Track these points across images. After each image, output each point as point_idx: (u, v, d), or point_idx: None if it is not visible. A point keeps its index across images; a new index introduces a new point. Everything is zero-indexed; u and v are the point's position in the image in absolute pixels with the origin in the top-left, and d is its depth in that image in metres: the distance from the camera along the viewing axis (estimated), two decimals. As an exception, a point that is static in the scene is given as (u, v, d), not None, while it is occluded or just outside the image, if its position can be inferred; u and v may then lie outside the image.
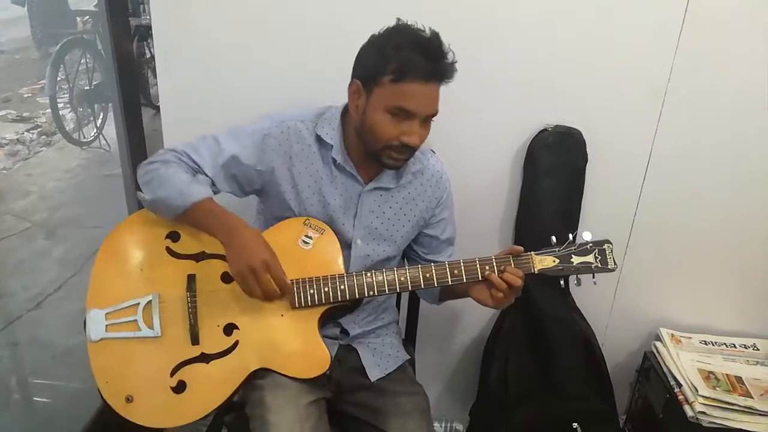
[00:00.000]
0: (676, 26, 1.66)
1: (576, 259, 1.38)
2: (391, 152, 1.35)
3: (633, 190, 1.84)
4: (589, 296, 1.93)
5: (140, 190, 1.41)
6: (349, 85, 1.37)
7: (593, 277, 1.39)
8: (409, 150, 1.35)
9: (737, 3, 1.64)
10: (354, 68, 1.37)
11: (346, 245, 1.46)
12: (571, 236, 1.39)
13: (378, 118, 1.32)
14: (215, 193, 1.43)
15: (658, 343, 1.92)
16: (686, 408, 1.70)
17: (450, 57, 1.30)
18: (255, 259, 1.31)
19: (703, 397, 1.69)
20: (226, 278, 1.42)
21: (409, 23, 1.32)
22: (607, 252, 1.39)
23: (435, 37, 1.30)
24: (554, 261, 1.38)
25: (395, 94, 1.29)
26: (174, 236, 1.43)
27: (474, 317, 2.05)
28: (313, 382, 1.42)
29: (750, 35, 1.66)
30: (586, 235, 1.39)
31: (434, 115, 1.34)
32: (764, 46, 1.66)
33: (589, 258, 1.38)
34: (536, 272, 1.37)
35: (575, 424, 1.90)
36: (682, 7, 1.64)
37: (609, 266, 1.38)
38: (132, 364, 1.39)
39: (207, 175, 1.41)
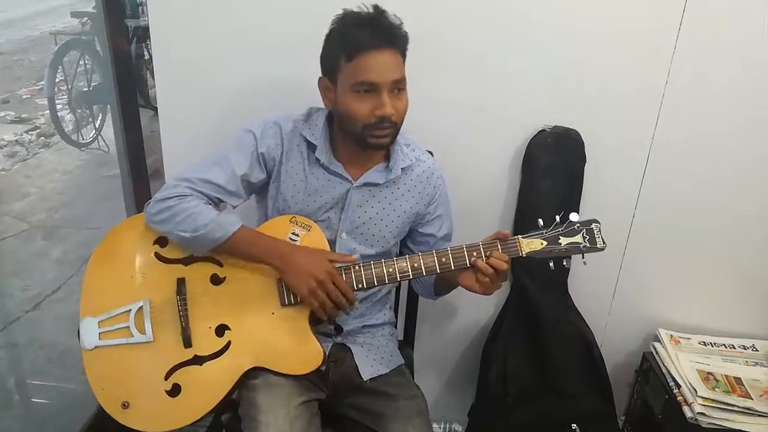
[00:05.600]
0: (674, 27, 1.66)
1: (564, 240, 1.37)
2: (372, 131, 1.36)
3: (631, 190, 1.84)
4: (588, 297, 1.93)
5: (159, 242, 1.43)
6: (318, 83, 1.41)
7: (583, 257, 1.39)
8: (389, 123, 1.35)
9: (735, 3, 1.63)
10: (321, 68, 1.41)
11: (330, 240, 1.47)
12: (558, 218, 1.38)
13: (348, 101, 1.35)
14: (234, 207, 1.47)
15: (657, 344, 1.92)
16: (685, 409, 1.70)
17: (396, 22, 1.34)
18: (320, 273, 1.33)
19: (702, 398, 1.69)
20: (215, 280, 1.43)
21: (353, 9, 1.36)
22: (595, 231, 1.38)
23: (376, 9, 1.34)
24: (542, 243, 1.37)
25: (354, 71, 1.32)
26: (162, 242, 1.44)
27: (473, 318, 2.05)
28: (307, 382, 1.43)
29: (747, 35, 1.66)
30: (573, 216, 1.38)
31: (400, 81, 1.35)
32: (762, 47, 1.66)
33: (578, 238, 1.37)
34: (524, 255, 1.36)
35: (574, 425, 1.90)
36: (680, 8, 1.64)
37: (598, 245, 1.38)
38: (126, 371, 1.40)
39: (230, 191, 1.42)
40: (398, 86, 1.35)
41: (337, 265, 1.38)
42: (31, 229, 3.57)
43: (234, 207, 1.47)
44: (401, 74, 1.35)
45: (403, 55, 1.37)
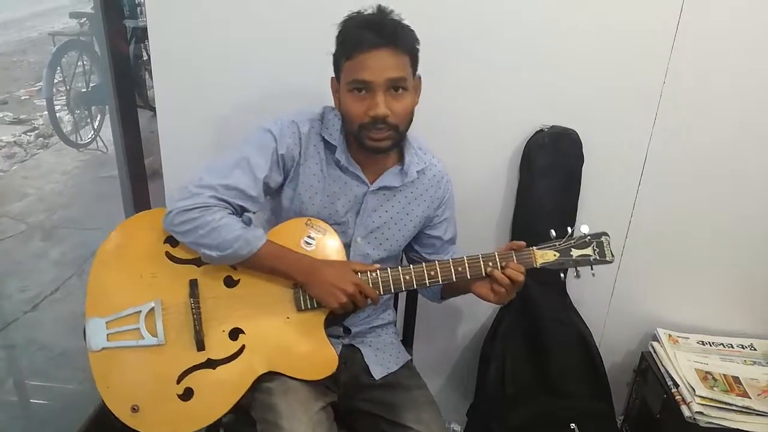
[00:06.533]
0: (672, 27, 1.66)
1: (575, 252, 1.39)
2: (367, 132, 1.35)
3: (629, 190, 1.85)
4: (587, 296, 1.94)
5: (170, 241, 1.40)
6: (330, 84, 1.42)
7: (592, 269, 1.40)
8: (383, 124, 1.33)
9: (733, 2, 1.64)
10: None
11: (345, 244, 1.46)
12: (570, 230, 1.40)
13: (345, 100, 1.35)
14: (255, 212, 1.45)
15: (655, 344, 1.92)
16: (683, 408, 1.70)
17: (396, 21, 1.33)
18: (348, 286, 1.33)
19: (700, 397, 1.69)
20: (228, 282, 1.41)
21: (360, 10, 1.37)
22: (604, 244, 1.40)
23: (378, 9, 1.34)
24: (555, 255, 1.39)
25: (351, 70, 1.32)
26: (173, 241, 1.41)
27: (472, 318, 2.05)
28: (321, 385, 1.42)
29: (745, 35, 1.66)
30: (584, 229, 1.40)
31: (399, 80, 1.32)
32: (760, 46, 1.67)
33: (588, 251, 1.39)
34: (538, 267, 1.38)
35: (573, 425, 1.90)
36: (678, 7, 1.64)
37: (607, 258, 1.40)
38: (136, 373, 1.37)
39: (252, 196, 1.39)
40: (397, 85, 1.32)
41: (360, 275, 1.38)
42: (30, 230, 3.56)
43: (254, 213, 1.44)
44: (400, 73, 1.32)
45: (411, 55, 1.35)
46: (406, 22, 1.37)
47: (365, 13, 1.35)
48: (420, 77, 1.42)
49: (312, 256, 1.39)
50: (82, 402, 1.95)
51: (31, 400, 2.23)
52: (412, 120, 1.40)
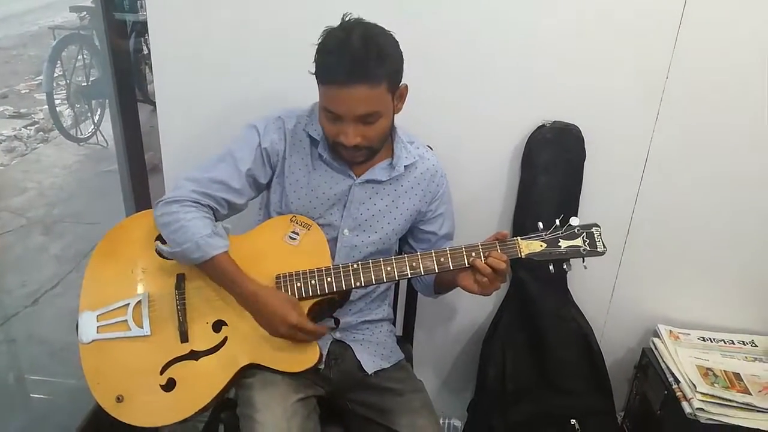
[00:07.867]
0: (674, 22, 1.65)
1: (564, 243, 1.37)
2: (341, 149, 1.37)
3: (631, 186, 1.84)
4: (588, 292, 1.93)
5: (160, 239, 1.42)
6: None
7: (583, 261, 1.39)
8: (354, 148, 1.34)
9: (735, -1, 1.63)
10: None
11: (333, 236, 1.47)
12: (557, 221, 1.39)
13: (321, 117, 1.37)
14: (243, 206, 1.46)
15: (656, 340, 1.92)
16: (684, 404, 1.70)
17: (370, 50, 1.24)
18: (283, 326, 1.34)
19: (701, 393, 1.69)
20: None
21: (350, 19, 1.31)
22: (595, 235, 1.38)
23: (356, 37, 1.25)
24: (541, 245, 1.37)
25: (323, 95, 1.33)
26: (163, 238, 1.43)
27: (472, 314, 2.05)
28: (305, 379, 1.43)
29: (747, 30, 1.65)
30: (573, 221, 1.39)
31: (369, 115, 1.30)
32: (762, 42, 1.66)
33: (578, 242, 1.38)
34: (523, 257, 1.36)
35: (573, 421, 1.90)
36: (681, 3, 1.63)
37: (598, 249, 1.38)
38: (122, 364, 1.40)
39: (235, 188, 1.42)
40: (367, 119, 1.30)
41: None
42: (30, 225, 3.56)
43: (241, 205, 1.46)
44: (371, 108, 1.29)
45: (389, 79, 1.29)
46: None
47: (333, 36, 1.28)
48: (406, 86, 1.38)
49: (261, 285, 1.38)
50: (82, 397, 1.94)
51: (31, 395, 2.23)
52: (390, 130, 1.42)
